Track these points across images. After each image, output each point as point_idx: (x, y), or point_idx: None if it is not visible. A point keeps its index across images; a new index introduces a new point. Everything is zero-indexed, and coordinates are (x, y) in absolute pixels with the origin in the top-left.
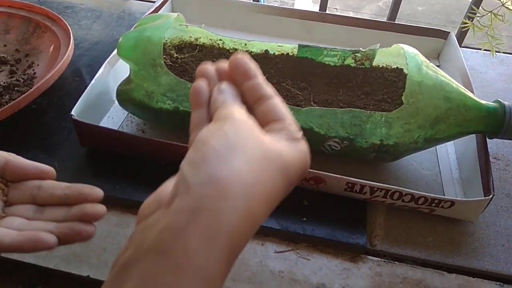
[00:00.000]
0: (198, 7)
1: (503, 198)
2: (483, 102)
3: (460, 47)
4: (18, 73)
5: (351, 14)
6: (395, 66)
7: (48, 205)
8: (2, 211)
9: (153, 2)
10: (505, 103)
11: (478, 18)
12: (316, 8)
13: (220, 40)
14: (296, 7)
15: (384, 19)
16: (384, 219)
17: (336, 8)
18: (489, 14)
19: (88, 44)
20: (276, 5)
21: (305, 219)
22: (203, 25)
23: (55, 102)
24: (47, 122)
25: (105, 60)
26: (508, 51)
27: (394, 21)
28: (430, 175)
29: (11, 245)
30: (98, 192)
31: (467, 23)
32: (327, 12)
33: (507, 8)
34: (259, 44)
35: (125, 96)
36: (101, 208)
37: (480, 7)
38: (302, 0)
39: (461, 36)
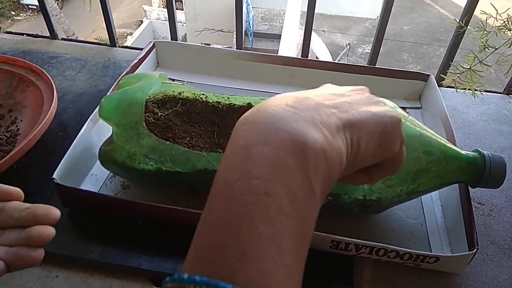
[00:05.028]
0: (182, 56)
1: (488, 245)
2: (463, 152)
3: (441, 86)
4: (1, 129)
5: (339, 36)
6: None
7: (7, 228)
8: None
9: (137, 49)
10: (485, 152)
11: (458, 75)
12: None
13: (203, 94)
14: (283, 35)
15: (371, 39)
16: (371, 273)
17: (323, 31)
18: (468, 71)
19: (73, 96)
20: (259, 52)
21: None
22: (186, 82)
23: (38, 160)
24: (29, 182)
25: (90, 112)
26: (488, 89)
27: (379, 50)
28: (416, 224)
29: None
30: (53, 213)
31: (447, 79)
32: (309, 57)
33: (485, 64)
34: (242, 98)
35: (107, 157)
36: (48, 230)
37: (459, 65)
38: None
39: (443, 72)
